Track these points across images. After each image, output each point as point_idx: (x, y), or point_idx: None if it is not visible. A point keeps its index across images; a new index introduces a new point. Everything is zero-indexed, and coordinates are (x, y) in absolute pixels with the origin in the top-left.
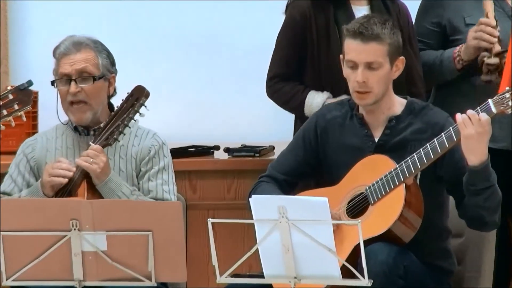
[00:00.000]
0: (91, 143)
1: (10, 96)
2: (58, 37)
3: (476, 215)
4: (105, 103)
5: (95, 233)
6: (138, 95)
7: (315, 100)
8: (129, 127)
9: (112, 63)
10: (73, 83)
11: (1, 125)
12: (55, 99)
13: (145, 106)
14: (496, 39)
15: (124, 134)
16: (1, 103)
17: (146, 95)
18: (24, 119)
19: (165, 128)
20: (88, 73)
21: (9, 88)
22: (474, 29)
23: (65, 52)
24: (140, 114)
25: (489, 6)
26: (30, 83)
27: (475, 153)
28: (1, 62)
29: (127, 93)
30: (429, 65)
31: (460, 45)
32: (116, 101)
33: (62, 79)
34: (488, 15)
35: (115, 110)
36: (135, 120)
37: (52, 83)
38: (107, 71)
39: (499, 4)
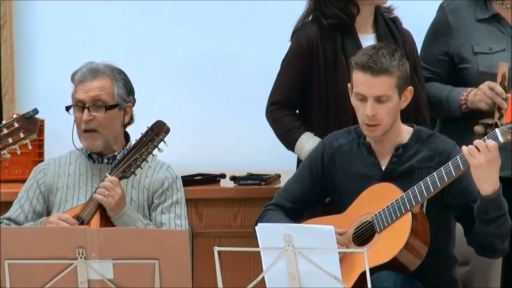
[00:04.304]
0: (107, 174)
1: (16, 124)
2: (64, 65)
3: (487, 243)
4: (119, 132)
5: (101, 261)
6: (158, 130)
7: (307, 144)
8: (147, 161)
9: (129, 92)
10: (86, 111)
11: (7, 153)
12: (61, 127)
13: (165, 142)
14: (497, 111)
15: (142, 168)
16: (7, 131)
17: (166, 130)
18: (30, 147)
19: (171, 156)
20: (101, 101)
21: (15, 116)
22: (485, 91)
23: (82, 78)
24: (159, 149)
25: (503, 70)
26: (35, 111)
27: (487, 182)
28: (7, 90)
29: (147, 127)
30: (436, 101)
31: (468, 90)
32: (131, 130)
33: (76, 105)
34: (498, 80)
35: (134, 143)
36: (153, 155)
37: (67, 108)
38: (122, 100)
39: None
